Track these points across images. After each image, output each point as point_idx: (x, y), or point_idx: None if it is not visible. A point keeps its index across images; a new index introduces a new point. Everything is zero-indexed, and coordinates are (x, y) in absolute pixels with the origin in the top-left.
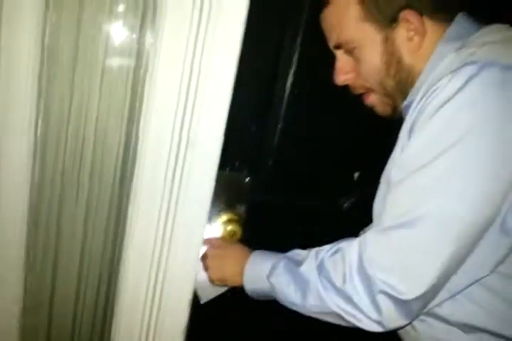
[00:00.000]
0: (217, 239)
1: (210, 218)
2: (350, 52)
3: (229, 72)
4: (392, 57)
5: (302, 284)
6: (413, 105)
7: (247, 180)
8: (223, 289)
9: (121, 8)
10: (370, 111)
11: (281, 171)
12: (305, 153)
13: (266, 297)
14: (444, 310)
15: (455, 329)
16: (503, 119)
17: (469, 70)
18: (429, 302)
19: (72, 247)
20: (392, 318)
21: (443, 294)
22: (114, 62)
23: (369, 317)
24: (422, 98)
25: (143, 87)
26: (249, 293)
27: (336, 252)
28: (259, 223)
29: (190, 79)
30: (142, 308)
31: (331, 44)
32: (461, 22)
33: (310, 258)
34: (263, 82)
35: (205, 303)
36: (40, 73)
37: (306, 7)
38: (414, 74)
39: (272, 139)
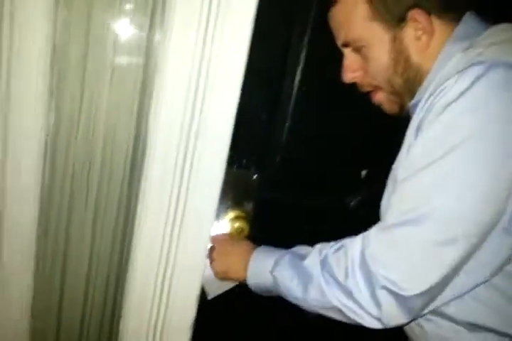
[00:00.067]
0: (224, 235)
1: (218, 215)
2: (358, 50)
3: (237, 69)
4: (400, 55)
5: (305, 278)
6: (420, 104)
7: (254, 177)
8: (231, 285)
9: (130, 6)
10: (377, 109)
11: (289, 168)
12: (313, 150)
13: (269, 292)
14: (450, 309)
15: (461, 328)
16: (507, 120)
17: (476, 71)
18: (430, 301)
19: (80, 248)
20: (392, 315)
21: (449, 294)
22: (124, 59)
23: (369, 313)
24: (429, 97)
25: (152, 84)
26: (252, 289)
27: (339, 248)
28: (267, 220)
29: (199, 76)
30: (150, 306)
31: (339, 42)
32: (468, 21)
33: (314, 253)
34: (271, 80)
35: (212, 299)
36: (51, 72)
37: (314, 5)
38: (423, 73)
39: (279, 137)
